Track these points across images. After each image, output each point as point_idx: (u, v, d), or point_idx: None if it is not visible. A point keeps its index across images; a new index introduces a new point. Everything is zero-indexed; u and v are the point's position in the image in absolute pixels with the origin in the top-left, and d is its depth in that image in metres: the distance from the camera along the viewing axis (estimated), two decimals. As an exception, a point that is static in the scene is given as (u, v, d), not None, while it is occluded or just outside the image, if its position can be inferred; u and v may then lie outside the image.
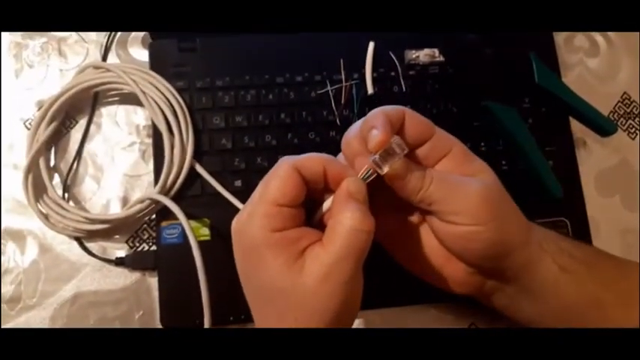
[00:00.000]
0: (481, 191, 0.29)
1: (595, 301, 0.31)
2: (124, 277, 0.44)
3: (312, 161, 0.28)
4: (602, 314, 0.31)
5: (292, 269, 0.26)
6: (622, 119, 0.52)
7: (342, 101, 0.47)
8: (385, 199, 0.31)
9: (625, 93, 0.53)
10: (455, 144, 0.30)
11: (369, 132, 0.27)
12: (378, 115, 0.28)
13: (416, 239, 0.32)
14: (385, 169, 0.28)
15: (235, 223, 0.28)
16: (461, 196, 0.28)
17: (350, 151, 0.29)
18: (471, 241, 0.29)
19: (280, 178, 0.27)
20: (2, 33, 0.48)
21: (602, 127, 0.47)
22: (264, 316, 0.27)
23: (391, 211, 0.32)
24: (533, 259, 0.30)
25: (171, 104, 0.44)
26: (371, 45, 0.47)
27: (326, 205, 0.29)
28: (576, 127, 0.49)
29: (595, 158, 0.51)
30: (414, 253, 0.33)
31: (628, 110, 0.52)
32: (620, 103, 0.52)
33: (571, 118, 0.49)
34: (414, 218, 0.33)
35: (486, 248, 0.29)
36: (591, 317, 0.31)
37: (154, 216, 0.44)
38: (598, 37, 0.54)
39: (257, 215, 0.26)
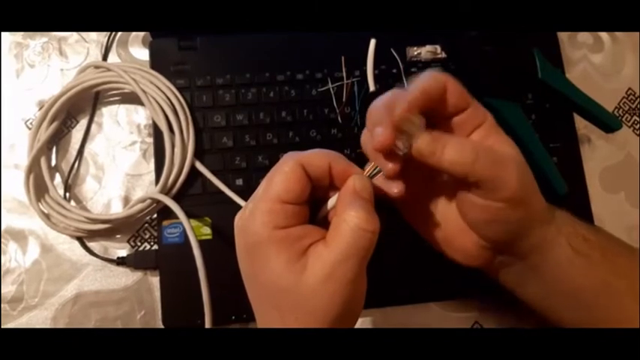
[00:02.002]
0: (518, 169, 0.28)
1: (607, 287, 0.30)
2: (126, 277, 0.44)
3: (318, 157, 0.27)
4: (612, 301, 0.30)
5: (294, 268, 0.25)
6: (627, 115, 0.52)
7: (344, 99, 0.46)
8: (411, 163, 0.29)
9: (629, 89, 0.52)
10: (487, 116, 0.30)
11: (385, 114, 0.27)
12: (400, 100, 0.27)
13: (434, 206, 0.32)
14: (405, 150, 0.27)
15: (238, 220, 0.27)
16: (503, 174, 0.27)
17: (374, 121, 0.28)
18: (496, 223, 0.29)
19: (284, 174, 0.26)
20: (3, 33, 0.48)
21: (607, 123, 0.47)
22: (265, 315, 0.27)
23: (414, 174, 0.31)
24: (547, 240, 0.30)
25: (171, 103, 0.44)
26: (372, 42, 0.47)
27: (331, 202, 0.28)
28: (580, 123, 0.49)
29: (599, 154, 0.50)
30: (430, 220, 0.32)
31: (633, 106, 0.52)
32: (624, 99, 0.52)
33: (575, 115, 0.49)
34: (438, 185, 0.32)
35: (511, 224, 0.29)
36: (601, 303, 0.31)
37: (155, 215, 0.44)
38: (602, 32, 0.53)
39: (260, 212, 0.26)
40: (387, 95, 0.29)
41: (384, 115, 0.27)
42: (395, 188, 0.28)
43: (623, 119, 0.51)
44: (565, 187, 0.44)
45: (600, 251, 0.30)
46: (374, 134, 0.27)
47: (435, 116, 0.29)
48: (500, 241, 0.31)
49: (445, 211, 0.31)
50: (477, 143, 0.29)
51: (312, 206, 0.29)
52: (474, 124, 0.29)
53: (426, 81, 0.28)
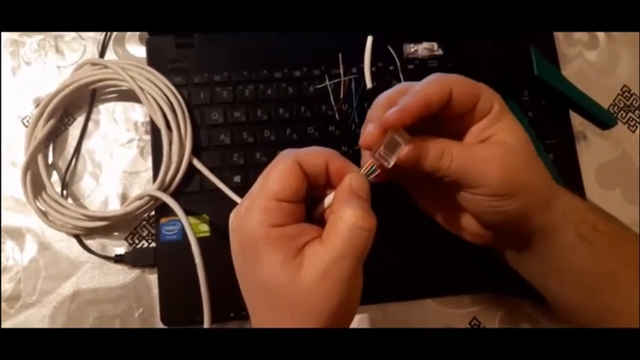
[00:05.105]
0: (504, 164, 0.28)
1: (610, 275, 0.30)
2: (124, 275, 0.44)
3: (314, 155, 0.27)
4: (615, 288, 0.30)
5: (290, 266, 0.25)
6: (622, 112, 0.52)
7: (341, 96, 0.46)
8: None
9: (625, 86, 0.52)
10: (494, 102, 0.29)
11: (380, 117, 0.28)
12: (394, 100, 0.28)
13: (438, 190, 0.32)
14: (392, 162, 0.27)
15: (233, 218, 0.27)
16: (483, 171, 0.28)
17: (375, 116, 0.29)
18: (493, 214, 0.29)
19: (281, 171, 0.26)
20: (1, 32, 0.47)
21: (602, 120, 0.47)
22: (261, 314, 0.27)
23: None
24: (551, 225, 0.30)
25: (169, 100, 0.44)
26: (369, 39, 0.47)
27: (327, 200, 0.28)
28: (576, 120, 0.49)
29: (595, 151, 0.50)
30: (435, 201, 0.33)
31: (628, 103, 0.52)
32: (620, 96, 0.52)
33: (571, 111, 0.49)
34: None
35: (507, 218, 0.29)
36: (603, 289, 0.31)
37: (153, 213, 0.44)
38: (597, 30, 0.54)
39: (255, 210, 0.26)
40: (391, 92, 0.29)
41: (379, 115, 0.28)
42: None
43: (619, 116, 0.52)
44: (561, 184, 0.45)
45: (608, 240, 0.30)
46: (363, 131, 0.28)
47: (442, 114, 0.29)
48: (497, 226, 0.31)
49: (448, 194, 0.32)
50: (454, 146, 0.28)
51: (309, 204, 0.29)
52: (481, 114, 0.29)
53: (428, 91, 0.27)
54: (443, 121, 0.30)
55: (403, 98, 0.27)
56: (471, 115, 0.29)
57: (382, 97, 0.29)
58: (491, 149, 0.29)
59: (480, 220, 0.32)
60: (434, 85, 0.28)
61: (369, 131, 0.28)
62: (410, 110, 0.27)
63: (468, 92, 0.28)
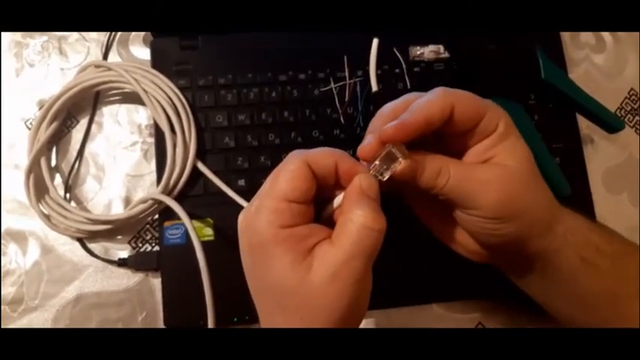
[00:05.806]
0: (502, 188, 0.28)
1: (612, 293, 0.30)
2: (127, 278, 0.44)
3: (324, 156, 0.27)
4: (616, 305, 0.30)
5: (300, 267, 0.25)
6: (629, 115, 0.52)
7: (346, 99, 0.46)
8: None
9: (632, 89, 0.52)
10: (500, 121, 0.28)
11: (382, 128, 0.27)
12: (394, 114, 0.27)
13: (438, 204, 0.31)
14: (387, 175, 0.27)
15: (242, 218, 0.27)
16: (480, 194, 0.28)
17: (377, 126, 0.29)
18: (490, 236, 0.29)
19: (290, 172, 0.26)
20: (2, 33, 0.47)
21: (610, 123, 0.47)
22: (270, 315, 0.27)
23: None
24: (551, 248, 0.30)
25: (173, 103, 0.44)
26: (375, 41, 0.46)
27: (337, 201, 0.28)
28: (583, 123, 0.49)
29: (602, 155, 0.50)
30: (434, 215, 0.33)
31: (635, 106, 0.52)
32: (627, 100, 0.52)
33: (578, 115, 0.48)
34: None
35: (504, 241, 0.29)
36: (604, 306, 0.30)
37: (156, 216, 0.44)
38: (604, 32, 0.53)
39: (265, 210, 0.26)
40: (397, 103, 0.29)
41: (379, 126, 0.27)
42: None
43: (626, 120, 0.51)
44: (569, 189, 0.44)
45: (612, 261, 0.30)
46: (362, 142, 0.28)
47: (444, 131, 0.28)
48: (495, 247, 0.31)
49: (445, 210, 0.31)
50: (452, 165, 0.28)
51: (318, 205, 0.28)
52: (484, 134, 0.29)
53: (428, 108, 0.27)
54: (446, 137, 0.29)
55: (403, 113, 0.27)
56: (473, 133, 0.29)
57: (386, 108, 0.29)
58: (491, 171, 0.28)
59: (477, 240, 0.31)
60: (436, 101, 0.27)
61: (367, 143, 0.27)
62: (408, 127, 0.26)
63: (472, 110, 0.28)
